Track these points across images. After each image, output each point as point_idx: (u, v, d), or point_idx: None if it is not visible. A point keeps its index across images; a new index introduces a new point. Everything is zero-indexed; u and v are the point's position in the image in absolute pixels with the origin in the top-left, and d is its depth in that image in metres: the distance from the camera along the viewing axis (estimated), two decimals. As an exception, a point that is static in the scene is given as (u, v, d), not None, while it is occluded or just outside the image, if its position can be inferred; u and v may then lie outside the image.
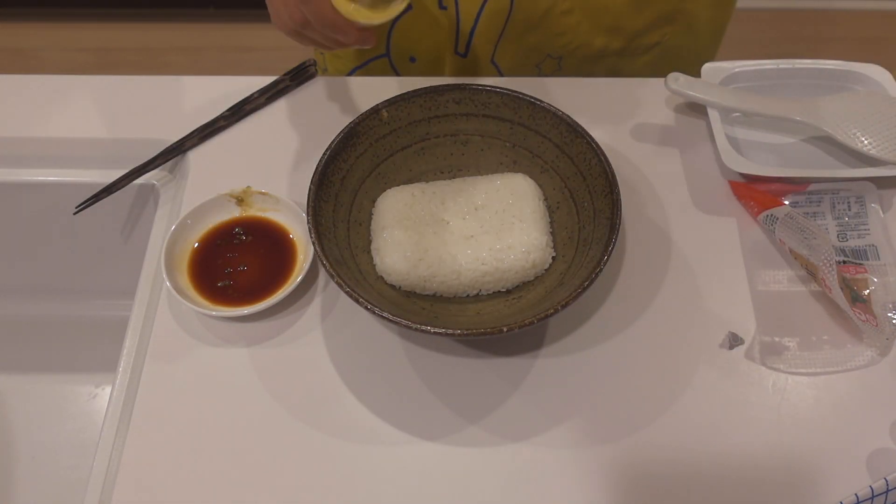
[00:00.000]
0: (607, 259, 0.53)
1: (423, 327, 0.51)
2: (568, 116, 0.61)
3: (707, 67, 0.71)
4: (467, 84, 0.63)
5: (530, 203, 0.61)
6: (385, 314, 0.51)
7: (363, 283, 0.57)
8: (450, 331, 0.51)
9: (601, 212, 0.58)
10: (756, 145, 0.70)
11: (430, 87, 0.63)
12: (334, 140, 0.60)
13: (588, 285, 0.52)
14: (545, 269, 0.60)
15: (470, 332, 0.51)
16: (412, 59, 0.82)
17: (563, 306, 0.51)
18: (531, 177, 0.63)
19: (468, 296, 0.60)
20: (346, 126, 0.61)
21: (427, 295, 0.60)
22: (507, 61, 0.78)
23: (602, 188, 0.58)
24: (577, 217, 0.61)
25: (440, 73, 0.82)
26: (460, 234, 0.60)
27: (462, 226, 0.61)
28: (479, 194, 0.62)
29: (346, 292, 0.52)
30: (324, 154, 0.59)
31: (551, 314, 0.51)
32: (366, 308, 0.52)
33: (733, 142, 0.69)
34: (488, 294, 0.60)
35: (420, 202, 0.62)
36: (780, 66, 0.71)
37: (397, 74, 0.83)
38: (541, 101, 0.62)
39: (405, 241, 0.59)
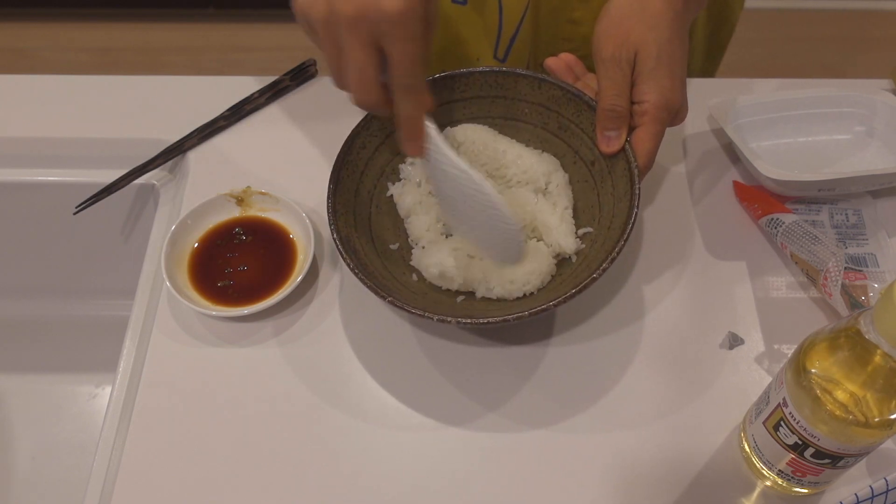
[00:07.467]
0: (626, 239, 0.52)
1: (447, 318, 0.51)
2: (591, 99, 0.58)
3: (715, 104, 0.69)
4: (490, 70, 0.61)
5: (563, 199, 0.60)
6: (408, 307, 0.51)
7: (388, 277, 0.56)
8: (475, 320, 0.51)
9: (619, 188, 0.57)
10: (761, 150, 0.70)
11: (449, 73, 0.61)
12: (348, 138, 0.59)
13: (608, 266, 0.51)
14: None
15: (497, 319, 0.51)
16: None
17: (581, 289, 0.51)
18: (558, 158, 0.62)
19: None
20: (354, 128, 0.60)
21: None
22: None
23: (622, 170, 0.56)
24: (598, 198, 0.60)
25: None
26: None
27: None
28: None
29: (369, 286, 0.52)
30: (342, 148, 0.59)
31: (572, 296, 0.51)
32: (387, 302, 0.51)
33: (735, 149, 0.69)
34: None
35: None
36: (780, 98, 0.70)
37: None
38: (570, 84, 0.60)
39: (448, 251, 0.58)
